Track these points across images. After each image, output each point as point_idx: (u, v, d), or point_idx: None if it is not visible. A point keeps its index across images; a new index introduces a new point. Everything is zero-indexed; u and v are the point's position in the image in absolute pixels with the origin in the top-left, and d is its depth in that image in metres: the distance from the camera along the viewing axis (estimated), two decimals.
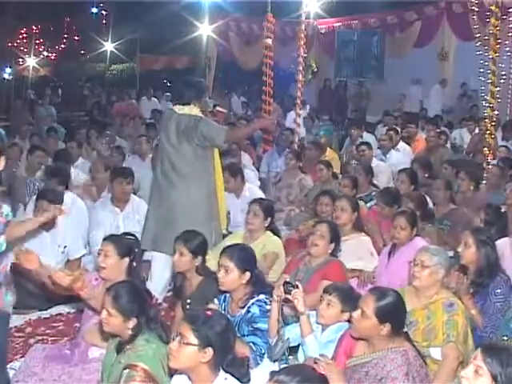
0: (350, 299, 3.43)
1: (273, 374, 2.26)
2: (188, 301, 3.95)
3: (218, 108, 5.86)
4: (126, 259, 3.75)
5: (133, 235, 4.05)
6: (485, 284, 3.90)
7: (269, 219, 4.95)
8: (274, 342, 3.33)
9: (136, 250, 3.87)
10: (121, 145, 9.32)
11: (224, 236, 5.32)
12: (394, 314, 3.01)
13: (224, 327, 2.69)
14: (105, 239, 3.87)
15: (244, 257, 3.66)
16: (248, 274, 3.59)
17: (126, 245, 3.81)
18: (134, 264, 3.80)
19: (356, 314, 3.01)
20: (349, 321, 3.41)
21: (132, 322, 3.02)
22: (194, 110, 4.97)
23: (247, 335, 3.49)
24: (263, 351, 3.45)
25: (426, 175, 6.88)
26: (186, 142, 4.85)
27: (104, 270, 3.73)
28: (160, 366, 2.90)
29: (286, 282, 3.35)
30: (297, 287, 3.28)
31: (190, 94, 5.02)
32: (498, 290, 3.85)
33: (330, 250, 4.27)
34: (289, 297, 3.28)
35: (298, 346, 3.49)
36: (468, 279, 3.93)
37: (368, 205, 6.16)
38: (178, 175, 4.90)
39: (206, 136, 4.82)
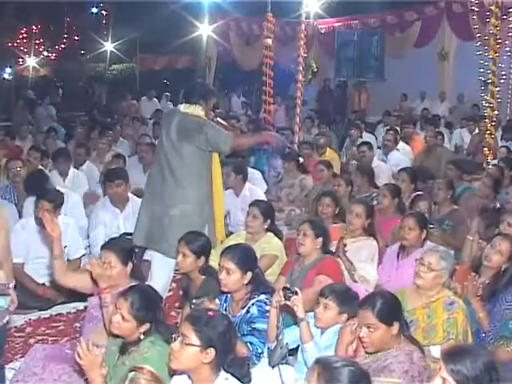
0: (346, 300, 3.41)
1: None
2: (193, 301, 3.94)
3: (218, 119, 5.83)
4: (130, 264, 3.73)
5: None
6: (499, 290, 3.88)
7: (268, 221, 4.94)
8: (273, 347, 3.32)
9: (136, 250, 3.87)
10: (122, 146, 9.35)
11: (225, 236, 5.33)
12: (395, 311, 3.03)
13: (226, 327, 2.68)
14: (104, 247, 3.80)
15: (245, 257, 3.65)
16: (250, 274, 3.59)
17: (126, 250, 3.78)
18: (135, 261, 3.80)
19: (364, 331, 2.97)
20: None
21: (145, 327, 3.01)
22: (198, 110, 4.93)
23: (245, 335, 3.48)
24: (260, 351, 3.45)
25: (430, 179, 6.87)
26: (187, 142, 4.78)
27: (110, 279, 3.63)
28: (165, 368, 2.89)
29: (285, 288, 3.31)
30: (296, 293, 3.25)
31: (198, 94, 4.96)
32: (509, 297, 3.82)
33: (317, 245, 4.25)
34: (288, 303, 3.25)
35: (297, 347, 3.48)
36: (480, 282, 3.94)
37: None
38: (172, 175, 4.83)
39: (210, 140, 4.74)
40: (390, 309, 3.01)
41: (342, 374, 2.17)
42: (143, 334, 3.01)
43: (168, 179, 4.81)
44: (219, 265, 3.65)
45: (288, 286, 3.46)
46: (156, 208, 4.88)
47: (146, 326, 3.01)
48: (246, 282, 3.58)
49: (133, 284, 3.44)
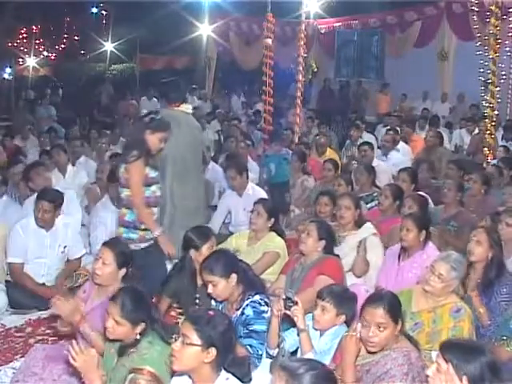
0: (344, 301, 3.40)
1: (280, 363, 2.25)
2: (197, 295, 3.94)
3: None
4: (124, 270, 3.65)
5: None
6: (491, 283, 3.91)
7: (272, 220, 4.94)
8: (275, 355, 3.31)
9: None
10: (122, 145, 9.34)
11: (226, 236, 5.35)
12: (400, 310, 3.03)
13: (226, 327, 2.68)
14: (105, 244, 3.76)
15: (223, 264, 3.56)
16: (234, 276, 3.53)
17: (125, 255, 3.70)
18: (130, 270, 3.73)
19: (372, 331, 2.92)
20: (346, 323, 3.41)
21: (140, 327, 2.99)
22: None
23: (243, 337, 3.45)
24: (260, 352, 3.43)
25: (432, 179, 6.86)
26: (202, 144, 4.93)
27: (99, 278, 3.63)
28: (165, 368, 2.87)
29: (285, 298, 3.29)
30: (296, 303, 3.23)
31: (184, 93, 5.03)
32: (504, 290, 3.86)
33: (319, 247, 4.23)
34: (288, 313, 3.24)
35: (297, 349, 3.47)
36: (475, 276, 3.96)
37: (368, 205, 6.15)
38: (192, 176, 4.93)
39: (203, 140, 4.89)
40: (397, 307, 3.02)
41: (305, 378, 2.10)
42: (140, 334, 2.99)
43: (191, 182, 4.97)
44: (202, 279, 3.65)
45: (289, 294, 3.40)
46: (180, 213, 4.97)
47: (142, 326, 2.99)
48: (233, 284, 3.54)
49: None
